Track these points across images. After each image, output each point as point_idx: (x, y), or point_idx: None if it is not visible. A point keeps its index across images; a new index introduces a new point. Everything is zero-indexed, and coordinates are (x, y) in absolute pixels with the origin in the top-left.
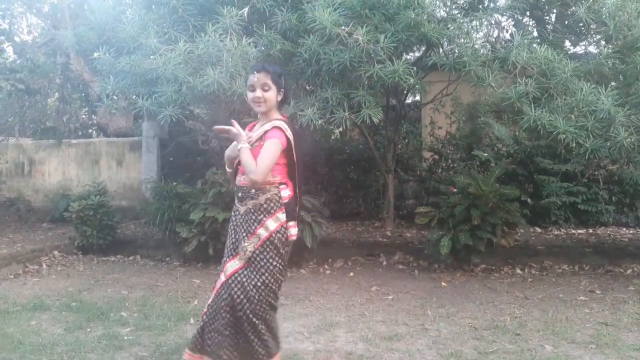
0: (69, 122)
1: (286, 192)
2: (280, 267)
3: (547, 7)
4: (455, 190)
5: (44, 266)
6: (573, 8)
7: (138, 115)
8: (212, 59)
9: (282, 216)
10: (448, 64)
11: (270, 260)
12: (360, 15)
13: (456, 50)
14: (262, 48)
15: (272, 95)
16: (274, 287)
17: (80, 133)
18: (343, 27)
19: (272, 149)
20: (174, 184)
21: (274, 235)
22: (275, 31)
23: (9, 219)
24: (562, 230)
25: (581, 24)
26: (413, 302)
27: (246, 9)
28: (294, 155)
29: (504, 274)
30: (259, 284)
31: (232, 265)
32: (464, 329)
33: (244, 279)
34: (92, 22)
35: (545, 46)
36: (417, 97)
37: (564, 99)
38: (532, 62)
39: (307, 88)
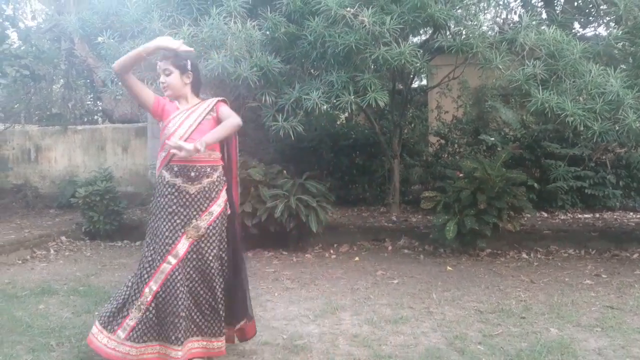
0: (75, 108)
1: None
2: (225, 239)
3: None
4: (461, 174)
5: (52, 251)
6: None
7: None
8: (216, 42)
9: (225, 193)
10: (455, 46)
11: (221, 234)
12: None
13: (463, 32)
14: (267, 32)
15: (175, 78)
16: (224, 257)
17: (85, 119)
18: (348, 9)
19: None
20: None
21: (224, 211)
22: (280, 14)
23: (16, 205)
24: (569, 214)
25: (590, 5)
26: (418, 286)
27: None
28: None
29: (510, 259)
30: (212, 256)
31: (183, 246)
32: (469, 312)
33: (201, 255)
34: (95, 6)
35: (554, 27)
36: (424, 81)
37: (573, 81)
38: (540, 43)
39: (312, 72)
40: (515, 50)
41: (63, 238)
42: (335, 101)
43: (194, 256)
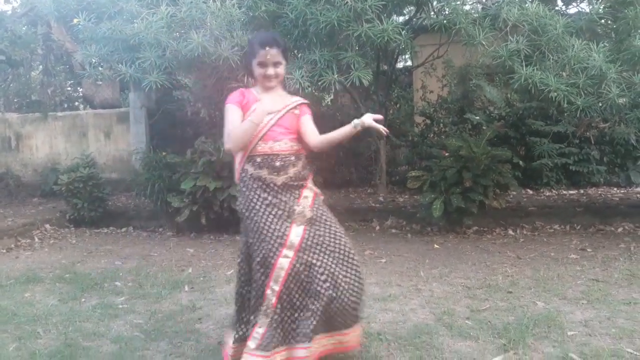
0: (54, 94)
1: None
2: (333, 221)
3: None
4: (447, 153)
5: (36, 240)
6: None
7: (124, 85)
8: (195, 22)
9: (311, 182)
10: (438, 23)
11: (326, 215)
12: None
13: (446, 9)
14: (248, 10)
15: (283, 70)
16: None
17: (66, 105)
18: None
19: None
20: (164, 153)
21: (317, 194)
22: None
23: None
24: (554, 191)
25: None
26: (406, 265)
27: None
28: None
29: (496, 235)
30: (336, 233)
31: (296, 235)
32: (457, 288)
33: (320, 239)
34: None
35: (537, 3)
36: (409, 62)
37: (556, 57)
38: (523, 19)
39: (295, 52)
40: (499, 26)
41: (47, 226)
42: (318, 81)
43: (312, 242)
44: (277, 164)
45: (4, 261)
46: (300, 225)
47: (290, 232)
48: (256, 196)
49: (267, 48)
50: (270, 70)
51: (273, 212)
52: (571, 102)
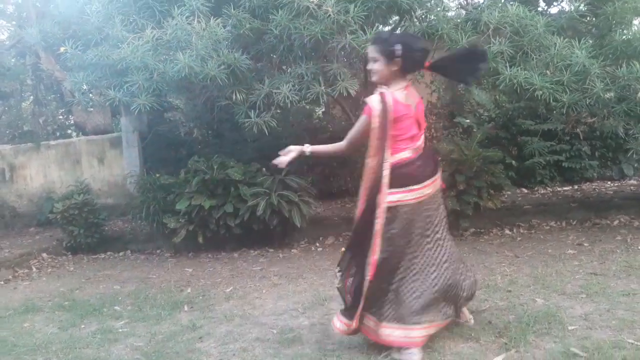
0: (46, 124)
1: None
2: None
3: None
4: (439, 158)
5: (34, 269)
6: None
7: (115, 111)
8: (181, 43)
9: None
10: (421, 30)
11: None
12: None
13: (429, 16)
14: (233, 29)
15: (380, 66)
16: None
17: (58, 134)
18: (312, 0)
19: (357, 123)
20: (157, 175)
21: None
22: (244, 10)
23: None
24: (548, 188)
25: None
26: None
27: None
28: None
29: (493, 236)
30: None
31: None
32: None
33: None
34: (56, 17)
35: (517, 4)
36: None
37: (539, 55)
38: (504, 21)
39: (283, 68)
40: (480, 29)
41: (44, 255)
42: (306, 94)
43: None
44: None
45: (2, 292)
46: None
47: None
48: None
49: (369, 45)
50: (369, 65)
51: None
52: (557, 99)
